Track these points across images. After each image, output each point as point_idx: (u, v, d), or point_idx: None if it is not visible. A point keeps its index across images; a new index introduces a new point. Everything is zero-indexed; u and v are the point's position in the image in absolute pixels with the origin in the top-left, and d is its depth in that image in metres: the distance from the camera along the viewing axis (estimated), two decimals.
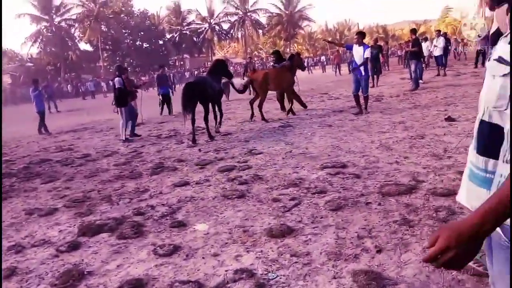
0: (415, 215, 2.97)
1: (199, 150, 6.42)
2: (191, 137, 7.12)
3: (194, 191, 4.25)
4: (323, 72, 31.35)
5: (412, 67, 11.36)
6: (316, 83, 18.33)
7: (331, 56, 26.14)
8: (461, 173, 3.73)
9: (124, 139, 7.81)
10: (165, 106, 12.09)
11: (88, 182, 5.11)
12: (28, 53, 47.12)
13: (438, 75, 14.29)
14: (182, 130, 8.75)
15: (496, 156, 1.00)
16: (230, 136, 7.39)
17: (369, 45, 9.49)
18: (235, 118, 9.70)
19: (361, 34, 8.43)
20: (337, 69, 24.18)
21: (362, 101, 8.16)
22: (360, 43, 8.06)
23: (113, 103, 8.42)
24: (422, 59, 12.92)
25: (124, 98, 7.93)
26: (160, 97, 12.21)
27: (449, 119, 6.39)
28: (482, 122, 1.06)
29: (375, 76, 13.31)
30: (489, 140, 1.02)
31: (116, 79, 7.98)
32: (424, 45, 17.23)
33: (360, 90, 8.07)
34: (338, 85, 15.82)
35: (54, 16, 44.85)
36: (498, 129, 0.99)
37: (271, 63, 12.80)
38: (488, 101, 1.04)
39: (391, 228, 2.82)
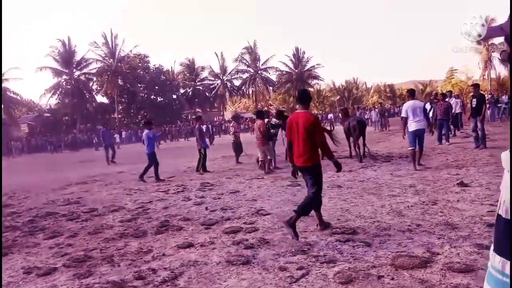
0: None
1: (206, 208, 6.32)
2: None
3: (198, 254, 4.11)
4: (331, 129, 31.67)
5: (479, 125, 10.29)
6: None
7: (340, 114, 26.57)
8: (478, 245, 3.57)
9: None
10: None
11: (91, 240, 5.00)
12: (47, 104, 48.97)
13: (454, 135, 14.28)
14: (190, 186, 8.72)
15: None
16: (238, 194, 7.31)
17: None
18: (243, 175, 9.67)
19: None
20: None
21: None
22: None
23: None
24: (450, 120, 12.96)
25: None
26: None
27: (462, 184, 6.25)
28: (499, 216, 0.98)
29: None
30: (505, 238, 0.93)
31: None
32: (429, 106, 17.48)
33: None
34: (346, 143, 15.85)
35: (74, 70, 47.09)
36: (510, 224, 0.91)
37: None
38: (504, 195, 0.97)
39: None
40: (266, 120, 10.70)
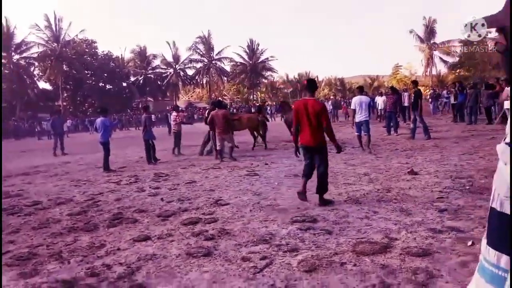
0: (393, 278, 2.85)
1: (162, 199, 6.09)
2: None
3: (155, 247, 3.92)
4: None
5: (418, 118, 11.16)
6: (279, 130, 18.58)
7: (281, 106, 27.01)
8: (432, 230, 3.72)
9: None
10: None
11: (36, 235, 4.62)
12: None
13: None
14: (143, 176, 8.39)
15: (508, 251, 0.88)
16: (194, 184, 7.13)
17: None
18: (199, 165, 9.47)
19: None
20: None
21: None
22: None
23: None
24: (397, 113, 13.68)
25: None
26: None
27: (412, 172, 6.54)
28: (492, 210, 0.96)
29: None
30: (500, 231, 0.91)
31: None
32: (380, 99, 18.25)
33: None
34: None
35: (12, 53, 43.63)
36: (510, 220, 0.89)
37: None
38: (499, 188, 0.94)
39: None
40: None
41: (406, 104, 16.11)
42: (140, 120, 11.54)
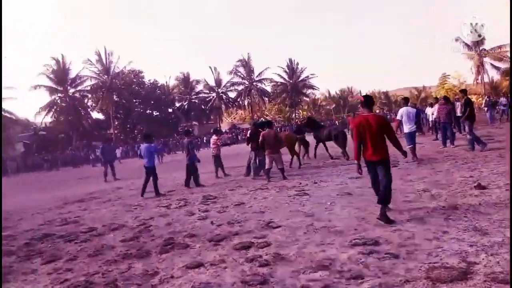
0: None
1: (212, 223, 5.98)
2: None
3: (209, 274, 3.77)
4: None
5: (467, 128, 10.76)
6: (324, 149, 18.13)
7: (348, 120, 26.05)
8: None
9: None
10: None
11: (91, 263, 4.64)
12: (42, 122, 48.52)
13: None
14: (191, 199, 8.38)
15: None
16: (243, 206, 6.97)
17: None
18: (246, 186, 9.34)
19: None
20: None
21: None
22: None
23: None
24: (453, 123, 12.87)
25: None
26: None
27: (480, 186, 5.96)
28: None
29: None
30: None
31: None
32: (431, 110, 17.34)
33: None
34: (348, 151, 15.58)
35: (68, 88, 46.85)
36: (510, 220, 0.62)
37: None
38: None
39: None
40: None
41: (459, 114, 15.18)
42: (183, 145, 11.56)
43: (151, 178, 9.58)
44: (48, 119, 47.52)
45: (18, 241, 6.32)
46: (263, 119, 32.12)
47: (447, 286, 2.88)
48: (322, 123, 19.53)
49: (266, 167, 9.88)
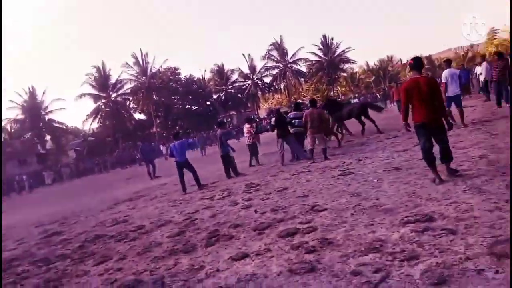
0: None
1: (255, 211, 5.89)
2: None
3: (254, 265, 3.66)
4: None
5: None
6: (368, 122, 17.47)
7: (391, 92, 24.47)
8: None
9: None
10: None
11: (140, 261, 4.70)
12: (90, 128, 51.09)
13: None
14: (234, 189, 8.35)
15: None
16: (286, 191, 6.81)
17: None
18: (288, 170, 9.15)
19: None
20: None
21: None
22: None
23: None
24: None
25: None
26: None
27: None
28: None
29: None
30: None
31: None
32: (480, 69, 16.08)
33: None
34: (392, 122, 14.88)
35: (110, 93, 48.77)
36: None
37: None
38: None
39: None
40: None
41: None
42: (216, 137, 11.34)
43: (186, 173, 9.62)
44: (95, 125, 50.00)
45: (72, 244, 6.60)
46: (300, 101, 31.55)
47: None
48: (341, 102, 19.06)
49: (309, 147, 9.69)
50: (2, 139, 46.85)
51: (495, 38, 56.64)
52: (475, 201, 3.96)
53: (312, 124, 9.55)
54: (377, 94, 44.39)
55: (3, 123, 48.01)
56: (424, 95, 4.95)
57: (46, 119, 47.49)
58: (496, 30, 57.24)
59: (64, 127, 49.82)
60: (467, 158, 6.02)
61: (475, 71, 18.08)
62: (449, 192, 4.49)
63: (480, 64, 16.42)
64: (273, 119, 10.97)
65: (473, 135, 7.97)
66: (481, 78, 15.75)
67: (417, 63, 5.21)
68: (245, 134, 12.48)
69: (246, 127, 12.28)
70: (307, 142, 9.78)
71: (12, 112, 46.81)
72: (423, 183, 5.16)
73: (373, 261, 3.10)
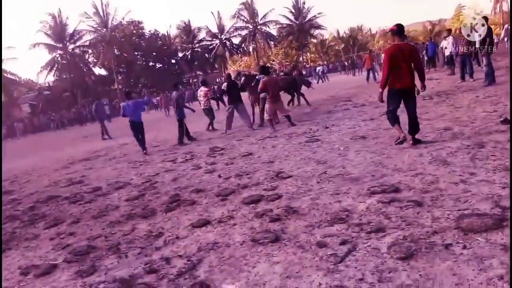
0: None
1: (219, 176, 5.70)
2: None
3: (216, 233, 3.50)
4: (322, 80, 30.51)
5: (485, 60, 9.98)
6: (335, 90, 17.53)
7: (363, 59, 24.06)
8: None
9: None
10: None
11: (95, 225, 4.43)
12: (45, 82, 48.01)
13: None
14: (198, 152, 8.09)
15: None
16: (251, 157, 6.65)
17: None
18: (254, 135, 8.97)
19: None
20: (370, 75, 19.07)
21: None
22: None
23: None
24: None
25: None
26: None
27: (506, 121, 5.47)
28: None
29: None
30: None
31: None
32: (446, 42, 16.30)
33: None
34: (359, 91, 14.97)
35: (68, 44, 45.62)
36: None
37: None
38: None
39: None
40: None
41: (478, 45, 14.18)
42: (172, 99, 10.62)
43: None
44: (51, 78, 46.92)
45: (22, 204, 6.18)
46: (268, 65, 31.03)
47: (481, 236, 2.54)
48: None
49: (269, 117, 9.18)
50: None
51: (461, 14, 57.82)
52: (440, 172, 3.96)
53: (272, 93, 9.02)
54: (345, 62, 44.40)
55: None
56: (407, 61, 5.07)
57: None
58: (463, 6, 58.39)
59: (17, 78, 46.43)
60: (432, 129, 6.07)
61: (441, 45, 18.33)
62: (414, 163, 4.49)
63: (446, 38, 16.63)
64: (224, 84, 10.57)
65: (438, 107, 8.08)
66: (447, 52, 16.02)
67: (400, 29, 5.24)
68: (201, 98, 11.45)
69: (203, 90, 11.48)
70: (267, 112, 9.21)
71: None
72: (389, 153, 5.14)
73: (339, 232, 3.02)
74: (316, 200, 3.85)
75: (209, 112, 11.29)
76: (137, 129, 9.08)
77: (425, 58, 19.10)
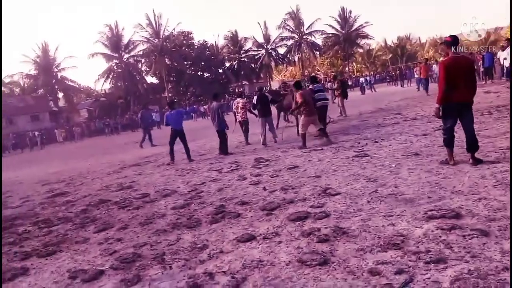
0: None
1: (264, 188, 5.61)
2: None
3: (261, 250, 3.40)
4: (371, 91, 29.53)
5: None
6: (384, 102, 16.93)
7: (416, 69, 22.83)
8: None
9: None
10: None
11: (141, 232, 4.50)
12: (102, 89, 50.93)
13: None
14: (243, 162, 8.08)
15: None
16: (297, 170, 6.51)
17: None
18: (300, 147, 8.81)
19: None
20: (421, 85, 18.62)
21: None
22: None
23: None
24: None
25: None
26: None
27: None
28: None
29: None
30: None
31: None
32: (502, 55, 15.29)
33: None
34: (409, 104, 14.35)
35: (123, 53, 48.11)
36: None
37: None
38: None
39: None
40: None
41: None
42: (212, 109, 10.07)
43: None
44: (107, 85, 49.71)
45: (76, 207, 6.45)
46: (313, 75, 30.73)
47: None
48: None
49: (303, 131, 8.79)
50: (15, 94, 47.07)
51: None
52: (508, 198, 3.61)
53: (308, 106, 8.67)
54: (393, 73, 43.00)
55: (16, 78, 48.15)
56: (465, 74, 4.88)
57: (59, 77, 47.32)
58: None
59: (77, 85, 49.66)
60: (494, 148, 5.62)
61: (498, 56, 17.18)
62: (476, 186, 4.14)
63: (504, 48, 15.52)
64: (255, 97, 10.38)
65: (499, 123, 7.51)
66: (506, 64, 14.94)
67: (455, 41, 5.01)
68: (238, 110, 10.95)
69: (240, 102, 11.11)
70: (301, 126, 8.85)
71: (25, 67, 46.72)
72: (446, 173, 4.80)
73: (394, 259, 2.81)
74: (367, 222, 3.65)
75: (245, 124, 10.94)
76: (177, 137, 9.43)
77: (481, 69, 18.03)
